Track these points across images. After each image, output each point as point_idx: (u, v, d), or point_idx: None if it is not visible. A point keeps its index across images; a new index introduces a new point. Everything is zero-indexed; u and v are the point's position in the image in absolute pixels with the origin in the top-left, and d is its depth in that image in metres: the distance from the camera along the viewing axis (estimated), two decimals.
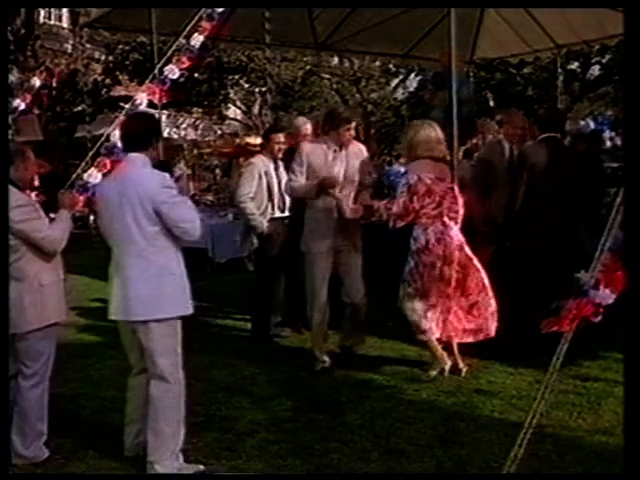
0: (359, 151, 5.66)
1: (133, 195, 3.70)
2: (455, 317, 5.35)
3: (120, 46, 21.96)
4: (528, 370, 5.19)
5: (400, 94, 29.95)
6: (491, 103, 23.73)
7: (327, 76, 26.53)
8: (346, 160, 5.52)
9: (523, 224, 5.79)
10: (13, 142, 4.44)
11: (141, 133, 3.89)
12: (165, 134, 13.59)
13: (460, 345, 5.44)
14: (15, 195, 3.87)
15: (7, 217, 3.70)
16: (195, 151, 24.88)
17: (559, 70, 13.71)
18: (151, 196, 3.67)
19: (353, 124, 5.55)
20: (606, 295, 2.81)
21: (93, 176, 4.87)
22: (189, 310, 3.90)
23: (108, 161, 4.85)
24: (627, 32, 2.88)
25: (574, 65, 22.97)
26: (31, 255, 3.92)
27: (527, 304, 5.26)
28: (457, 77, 6.53)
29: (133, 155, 3.84)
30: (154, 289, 3.72)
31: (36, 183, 6.00)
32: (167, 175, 3.84)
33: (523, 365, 5.30)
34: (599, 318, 2.87)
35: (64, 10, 23.84)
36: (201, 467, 3.88)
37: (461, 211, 5.32)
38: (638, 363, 2.56)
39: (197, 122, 26.97)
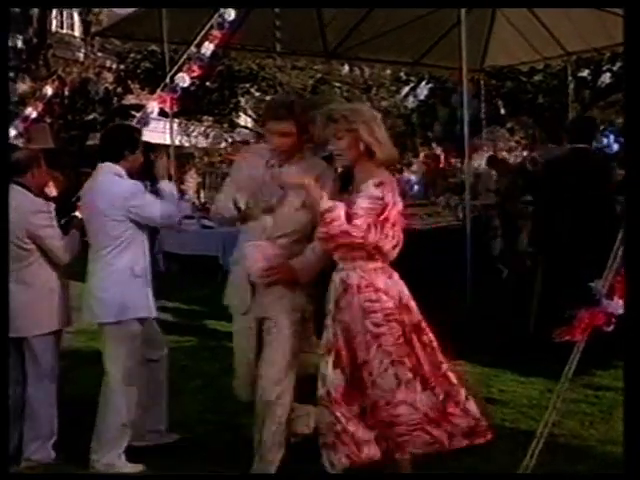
0: (309, 174, 3.42)
1: (101, 202, 3.86)
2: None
3: (131, 55, 22.07)
4: (539, 379, 5.16)
5: (411, 102, 29.96)
6: (502, 111, 23.75)
7: (337, 84, 26.56)
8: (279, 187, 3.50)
9: (551, 237, 5.73)
10: (28, 149, 4.51)
11: (112, 145, 4.03)
12: (176, 142, 13.67)
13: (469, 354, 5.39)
14: (34, 200, 4.04)
15: (7, 217, 3.77)
16: (206, 159, 24.96)
17: (570, 78, 13.69)
18: (120, 202, 3.82)
19: (279, 125, 3.46)
20: (619, 305, 2.79)
21: None
22: (152, 313, 4.02)
23: None
24: (627, 33, 2.88)
25: (585, 73, 22.90)
26: (43, 261, 4.03)
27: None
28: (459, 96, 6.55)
29: (104, 164, 3.97)
30: (113, 292, 3.85)
31: (53, 193, 6.07)
32: (138, 182, 3.97)
33: (534, 373, 5.27)
34: (612, 327, 2.85)
35: (76, 19, 23.99)
36: (140, 467, 3.94)
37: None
38: (638, 370, 2.56)
39: (208, 130, 27.07)
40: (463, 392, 3.38)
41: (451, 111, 19.70)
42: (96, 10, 21.97)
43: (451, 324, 6.82)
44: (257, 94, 26.44)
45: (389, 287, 3.29)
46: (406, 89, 29.19)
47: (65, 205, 4.69)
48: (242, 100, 26.84)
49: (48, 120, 16.29)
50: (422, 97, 28.00)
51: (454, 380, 3.38)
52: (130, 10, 10.67)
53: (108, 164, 3.95)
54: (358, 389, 3.29)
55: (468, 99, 8.43)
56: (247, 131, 29.11)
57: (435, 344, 3.38)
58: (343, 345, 3.28)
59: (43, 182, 4.27)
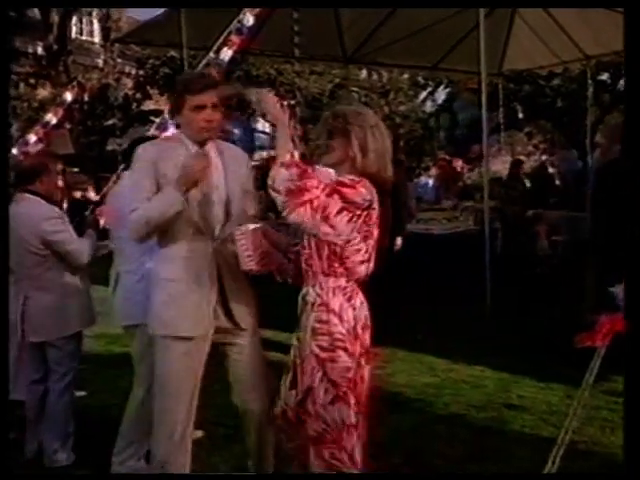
0: (239, 156, 3.35)
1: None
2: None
3: (150, 60, 22.20)
4: (559, 385, 5.13)
5: (429, 106, 29.92)
6: (520, 115, 23.65)
7: (355, 89, 26.57)
8: (224, 171, 3.22)
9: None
10: (38, 156, 4.54)
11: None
12: None
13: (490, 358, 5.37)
14: (45, 207, 4.07)
15: (7, 218, 3.80)
16: None
17: (589, 81, 13.61)
18: None
19: (209, 96, 3.11)
20: None
21: None
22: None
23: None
24: (627, 33, 2.86)
25: (604, 76, 22.75)
26: (61, 265, 4.07)
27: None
28: (462, 102, 6.53)
29: (128, 173, 3.91)
30: (140, 295, 3.68)
31: (95, 197, 6.12)
32: None
33: (553, 379, 5.24)
34: None
35: (96, 26, 24.21)
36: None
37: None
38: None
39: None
40: None
41: (452, 117, 19.67)
42: (115, 17, 22.18)
43: (470, 328, 6.87)
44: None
45: (344, 310, 2.94)
46: (424, 93, 29.17)
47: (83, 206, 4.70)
48: None
49: (68, 126, 16.44)
50: (440, 101, 27.98)
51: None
52: (150, 16, 10.75)
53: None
54: (305, 419, 2.98)
55: (467, 106, 8.44)
56: (265, 136, 29.20)
57: (365, 382, 3.02)
58: (299, 367, 3.01)
59: (53, 188, 4.26)
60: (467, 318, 7.20)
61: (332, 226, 2.85)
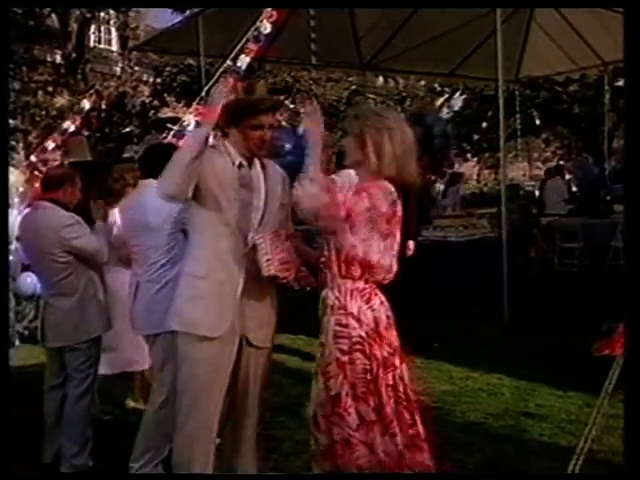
0: (279, 175, 3.37)
1: (154, 217, 3.78)
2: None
3: (168, 68, 22.29)
4: (577, 393, 5.08)
5: (445, 113, 29.88)
6: (537, 122, 23.54)
7: (372, 96, 26.59)
8: (265, 183, 3.26)
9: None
10: (64, 166, 4.59)
11: (153, 164, 3.86)
12: None
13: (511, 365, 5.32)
14: (62, 215, 4.11)
15: (7, 219, 3.82)
16: None
17: (606, 87, 13.55)
18: (175, 214, 3.70)
19: (269, 117, 3.19)
20: None
21: None
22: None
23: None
24: (627, 33, 2.85)
25: (621, 82, 22.61)
26: (80, 270, 4.12)
27: None
28: (432, 116, 6.53)
29: (147, 181, 3.92)
30: (161, 304, 3.63)
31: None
32: None
33: (572, 388, 5.19)
34: None
35: (114, 34, 24.38)
36: None
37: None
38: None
39: None
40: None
41: (426, 130, 19.74)
42: (133, 25, 22.32)
43: (488, 336, 6.84)
44: (292, 106, 26.57)
45: (362, 312, 2.96)
46: (440, 100, 29.15)
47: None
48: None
49: (86, 133, 16.53)
50: (456, 108, 27.95)
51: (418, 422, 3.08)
52: (167, 24, 10.82)
53: (151, 180, 3.85)
54: (335, 423, 2.98)
55: (437, 118, 8.48)
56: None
57: (405, 380, 3.06)
58: (325, 371, 3.02)
59: (76, 199, 4.30)
60: (484, 326, 7.17)
61: (352, 226, 2.92)
